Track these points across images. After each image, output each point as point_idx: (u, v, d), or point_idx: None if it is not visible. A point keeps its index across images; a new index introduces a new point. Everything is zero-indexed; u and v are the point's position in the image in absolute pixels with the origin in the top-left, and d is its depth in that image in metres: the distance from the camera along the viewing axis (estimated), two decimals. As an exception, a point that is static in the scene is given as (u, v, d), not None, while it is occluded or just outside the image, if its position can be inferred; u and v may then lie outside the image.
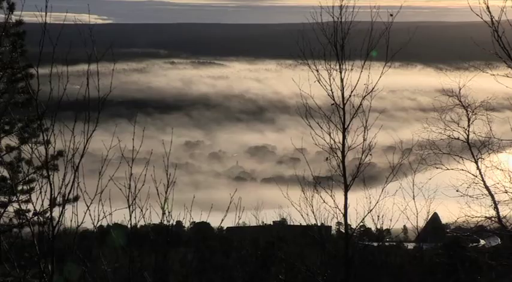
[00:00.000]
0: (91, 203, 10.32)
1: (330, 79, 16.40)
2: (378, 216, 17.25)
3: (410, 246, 48.36)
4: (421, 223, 24.73)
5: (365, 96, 16.47)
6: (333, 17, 16.35)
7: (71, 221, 10.32)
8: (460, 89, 21.68)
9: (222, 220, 12.18)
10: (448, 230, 49.62)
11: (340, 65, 16.33)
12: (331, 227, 18.85)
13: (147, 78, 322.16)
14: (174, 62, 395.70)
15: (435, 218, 45.91)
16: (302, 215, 17.53)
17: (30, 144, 11.67)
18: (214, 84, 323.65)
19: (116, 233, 11.68)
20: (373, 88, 16.47)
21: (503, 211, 19.91)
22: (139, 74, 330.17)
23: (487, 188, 19.98)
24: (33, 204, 10.22)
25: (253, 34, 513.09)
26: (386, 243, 32.05)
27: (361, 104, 16.45)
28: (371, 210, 16.86)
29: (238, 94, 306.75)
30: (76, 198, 10.15)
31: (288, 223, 34.94)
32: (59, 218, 9.94)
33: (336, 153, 16.59)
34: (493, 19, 16.33)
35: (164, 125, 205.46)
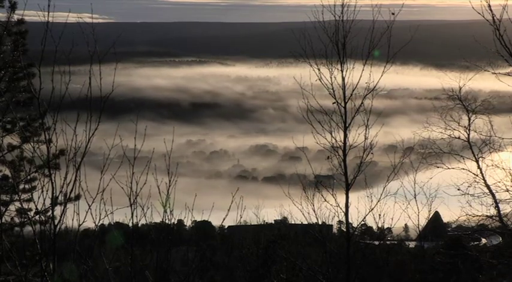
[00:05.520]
0: (92, 202, 10.33)
1: (331, 78, 16.41)
2: (379, 215, 17.25)
3: (412, 245, 48.43)
4: (422, 222, 24.79)
5: (366, 95, 16.46)
6: (334, 16, 16.35)
7: (73, 219, 10.32)
8: (460, 88, 21.70)
9: (224, 219, 12.18)
10: (449, 229, 49.80)
11: (341, 64, 16.33)
12: (332, 225, 18.86)
13: (148, 76, 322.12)
14: (175, 60, 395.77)
15: (436, 216, 46.05)
16: (303, 214, 17.54)
17: (31, 143, 11.69)
18: (215, 83, 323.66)
19: (115, 233, 11.70)
20: (374, 87, 16.47)
21: (504, 210, 19.94)
22: (141, 72, 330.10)
23: (488, 186, 19.99)
24: (34, 203, 10.22)
25: (254, 33, 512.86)
26: (388, 242, 32.04)
27: (362, 103, 16.45)
28: (372, 209, 16.87)
29: (239, 92, 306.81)
30: (77, 197, 10.16)
31: (289, 222, 35.01)
32: (61, 216, 9.95)
33: (337, 152, 16.59)
34: (495, 17, 16.32)
35: (166, 123, 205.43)
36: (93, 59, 10.34)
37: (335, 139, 16.47)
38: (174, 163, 11.75)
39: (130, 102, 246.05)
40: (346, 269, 16.90)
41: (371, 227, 24.65)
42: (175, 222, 11.26)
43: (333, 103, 16.54)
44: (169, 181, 11.04)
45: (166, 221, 11.19)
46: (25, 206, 11.39)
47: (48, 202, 10.03)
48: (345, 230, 17.57)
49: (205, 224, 67.14)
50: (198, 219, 13.72)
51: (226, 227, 70.31)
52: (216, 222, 66.94)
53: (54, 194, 9.91)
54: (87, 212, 10.33)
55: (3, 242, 10.40)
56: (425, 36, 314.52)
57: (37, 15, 10.05)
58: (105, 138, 10.79)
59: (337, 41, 16.34)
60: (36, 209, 10.16)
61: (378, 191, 16.85)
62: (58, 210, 9.98)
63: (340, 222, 18.24)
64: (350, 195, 16.59)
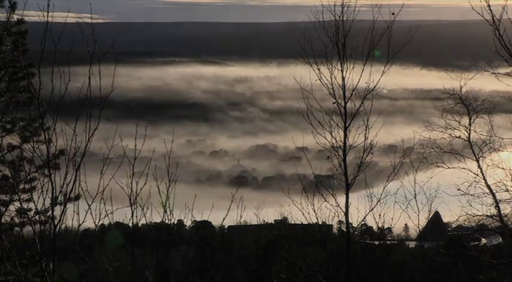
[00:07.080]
0: (92, 202, 10.32)
1: (331, 78, 16.40)
2: (379, 215, 17.26)
3: (412, 244, 48.41)
4: (422, 222, 24.78)
5: (366, 95, 16.46)
6: (334, 16, 16.35)
7: (72, 219, 10.32)
8: (461, 88, 21.72)
9: (224, 219, 12.17)
10: (449, 229, 49.78)
11: (341, 64, 16.32)
12: (332, 225, 18.85)
13: (148, 77, 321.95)
14: (175, 60, 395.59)
15: (436, 216, 46.00)
16: (303, 214, 17.54)
17: (31, 143, 11.66)
18: (214, 83, 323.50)
19: (115, 233, 11.70)
20: (374, 87, 16.47)
21: (505, 210, 19.95)
22: (140, 72, 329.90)
23: (488, 186, 20.00)
24: (34, 203, 10.22)
25: (254, 33, 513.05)
26: (388, 242, 32.06)
27: (362, 103, 16.45)
28: (372, 209, 16.87)
29: (239, 92, 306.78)
30: (77, 197, 10.15)
31: (289, 222, 34.99)
32: (61, 216, 9.94)
33: (337, 152, 16.59)
34: (494, 17, 16.31)
35: (166, 123, 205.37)
36: (92, 59, 10.33)
37: (335, 139, 16.46)
38: (174, 163, 11.74)
39: (131, 102, 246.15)
40: (346, 269, 16.90)
41: (371, 227, 24.64)
42: (175, 222, 11.25)
43: (333, 103, 16.54)
44: (169, 181, 11.04)
45: (166, 221, 11.18)
46: (25, 206, 11.39)
47: (48, 202, 10.03)
48: (345, 230, 17.57)
49: (205, 224, 67.07)
50: (198, 219, 13.68)
51: (226, 227, 70.25)
52: (216, 222, 66.88)
53: (54, 194, 9.91)
54: (87, 212, 10.32)
55: (3, 242, 10.39)
56: (425, 36, 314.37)
57: (37, 15, 10.05)
58: (104, 138, 10.78)
59: (337, 41, 16.33)
60: (36, 209, 10.15)
61: (378, 191, 16.85)
62: (58, 210, 9.98)
63: (340, 222, 18.23)
64: (350, 195, 16.59)
